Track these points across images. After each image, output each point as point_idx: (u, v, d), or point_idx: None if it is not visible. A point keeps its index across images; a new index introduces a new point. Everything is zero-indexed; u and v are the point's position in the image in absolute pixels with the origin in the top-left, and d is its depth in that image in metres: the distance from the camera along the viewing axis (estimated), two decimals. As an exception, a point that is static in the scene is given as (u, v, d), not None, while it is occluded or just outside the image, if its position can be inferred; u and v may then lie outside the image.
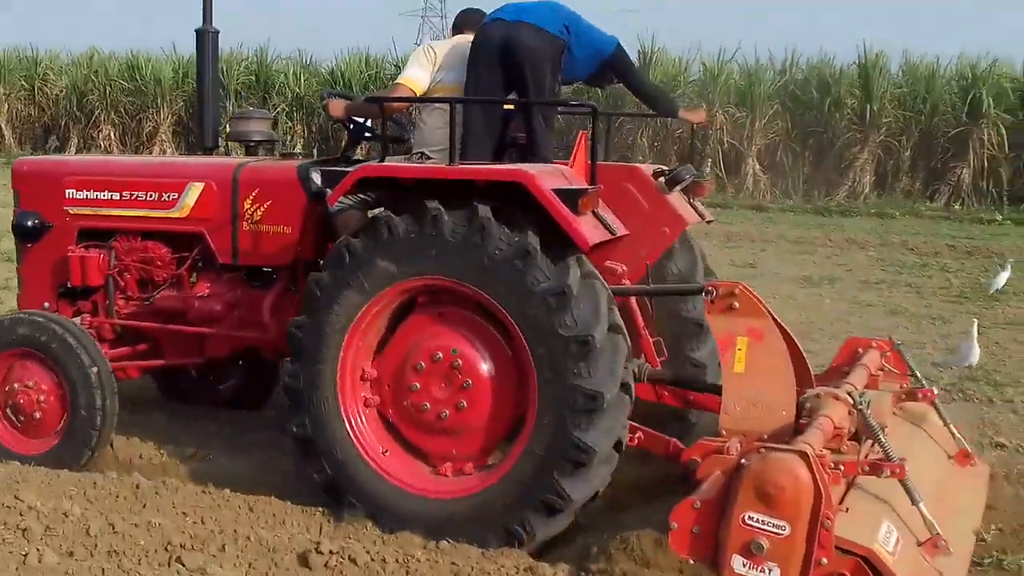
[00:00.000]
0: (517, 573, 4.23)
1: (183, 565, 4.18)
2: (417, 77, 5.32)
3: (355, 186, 4.68)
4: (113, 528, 4.44)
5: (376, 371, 4.78)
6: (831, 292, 11.56)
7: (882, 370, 5.37)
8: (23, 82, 28.09)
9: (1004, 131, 20.06)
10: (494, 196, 4.49)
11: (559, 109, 6.05)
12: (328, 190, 4.83)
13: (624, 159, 22.01)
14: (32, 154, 23.12)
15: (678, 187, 5.42)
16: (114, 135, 25.42)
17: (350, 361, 4.71)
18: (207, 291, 5.57)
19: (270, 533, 4.46)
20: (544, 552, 4.49)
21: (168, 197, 5.52)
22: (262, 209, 5.32)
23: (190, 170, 5.62)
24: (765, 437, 4.45)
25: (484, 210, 4.40)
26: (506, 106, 5.31)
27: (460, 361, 4.59)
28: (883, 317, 10.13)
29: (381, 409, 4.79)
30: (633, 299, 5.30)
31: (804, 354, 4.78)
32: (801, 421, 4.51)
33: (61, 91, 26.87)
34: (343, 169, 4.80)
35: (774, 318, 4.64)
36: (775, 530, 3.81)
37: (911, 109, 21.30)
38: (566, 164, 4.97)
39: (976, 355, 7.76)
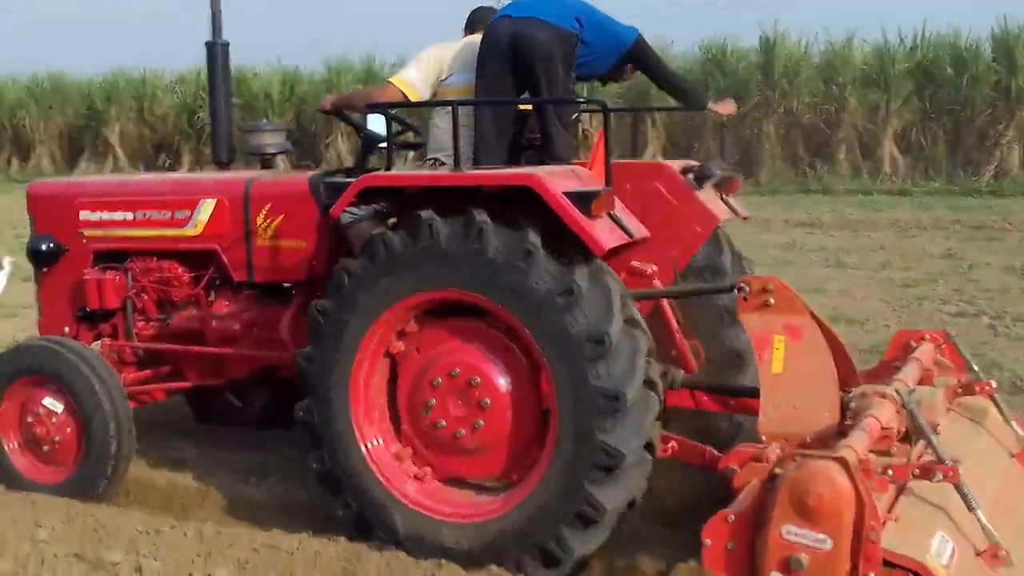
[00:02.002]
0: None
1: None
2: (411, 78, 5.13)
3: (359, 197, 4.50)
4: None
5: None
6: (1067, 283, 10.71)
7: (937, 364, 5.05)
8: (132, 102, 28.89)
9: None
10: (504, 201, 4.27)
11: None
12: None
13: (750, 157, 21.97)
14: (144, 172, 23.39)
15: (708, 183, 5.15)
16: (227, 150, 25.94)
17: (362, 387, 4.53)
18: (224, 310, 5.44)
19: None
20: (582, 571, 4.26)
21: (181, 215, 5.39)
22: (275, 224, 5.16)
23: (201, 186, 5.49)
24: (808, 441, 4.21)
25: (480, 214, 4.19)
26: (520, 106, 5.11)
27: (478, 379, 4.39)
28: None
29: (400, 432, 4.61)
30: (666, 302, 5.06)
31: (847, 350, 4.49)
32: (846, 423, 4.25)
33: (170, 109, 27.32)
34: (345, 180, 4.62)
35: (812, 314, 4.37)
36: (816, 544, 3.52)
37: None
38: (584, 164, 4.75)
39: None
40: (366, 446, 4.54)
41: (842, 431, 4.16)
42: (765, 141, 22.13)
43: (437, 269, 4.28)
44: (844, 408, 4.29)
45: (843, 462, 3.57)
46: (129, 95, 29.48)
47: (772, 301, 4.33)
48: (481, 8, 5.60)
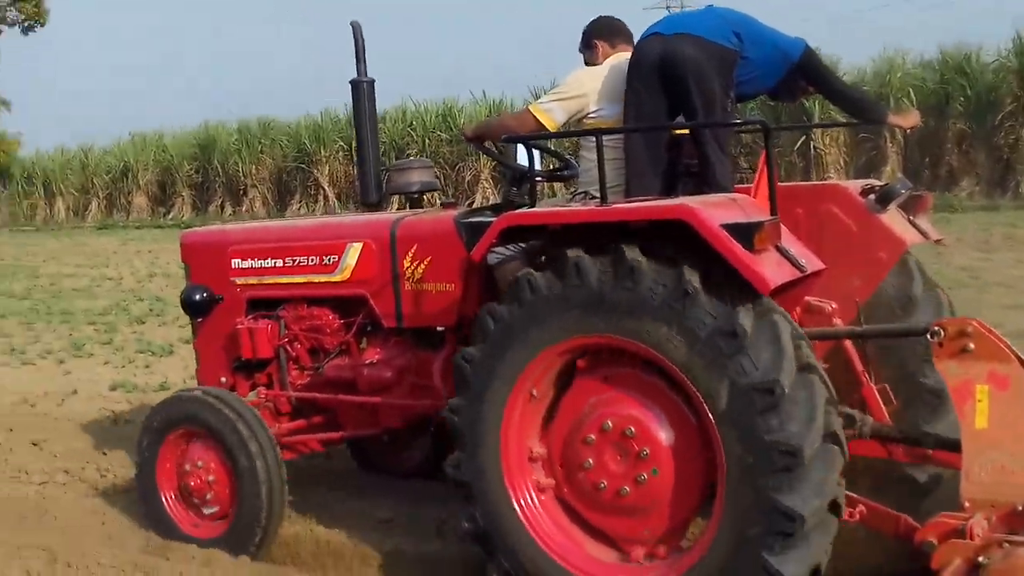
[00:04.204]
0: None
1: None
2: (550, 109, 4.95)
3: (501, 236, 4.34)
4: None
5: (545, 449, 4.39)
6: None
7: None
8: (340, 142, 30.48)
9: None
10: (659, 236, 4.01)
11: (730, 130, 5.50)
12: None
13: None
14: (351, 211, 24.35)
15: (892, 204, 4.73)
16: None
17: (513, 441, 4.34)
18: (375, 357, 5.36)
19: None
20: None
21: (329, 260, 5.38)
22: (422, 266, 5.06)
23: (348, 230, 5.47)
24: (1019, 509, 3.75)
25: (632, 252, 3.93)
26: (676, 131, 4.85)
27: (633, 428, 4.13)
28: None
29: (556, 491, 4.39)
30: (848, 342, 4.67)
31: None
32: (1068, 490, 3.77)
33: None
34: (487, 219, 4.48)
35: (1021, 359, 3.90)
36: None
37: None
38: (747, 191, 4.44)
39: None
40: (519, 503, 4.35)
41: (1062, 499, 3.72)
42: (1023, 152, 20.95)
43: (587, 312, 4.05)
44: (1063, 471, 3.81)
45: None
46: (336, 135, 31.03)
47: (972, 346, 3.90)
48: (606, 16, 5.36)
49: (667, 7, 39.45)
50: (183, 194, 35.14)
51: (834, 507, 3.96)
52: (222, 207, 34.01)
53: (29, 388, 9.41)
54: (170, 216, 34.75)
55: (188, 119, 37.31)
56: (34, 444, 7.45)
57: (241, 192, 33.69)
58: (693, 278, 3.86)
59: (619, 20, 5.36)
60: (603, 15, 5.40)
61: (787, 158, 23.14)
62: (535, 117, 4.97)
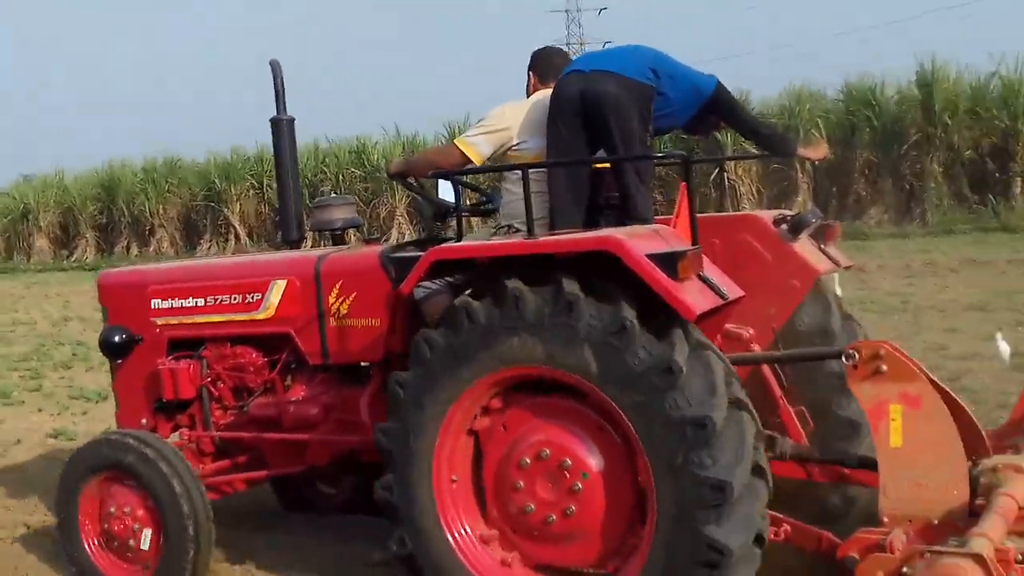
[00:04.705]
0: None
1: None
2: (475, 143, 5.09)
3: (430, 270, 4.45)
4: None
5: (495, 530, 4.49)
6: None
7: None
8: (251, 180, 30.15)
9: None
10: (584, 267, 4.16)
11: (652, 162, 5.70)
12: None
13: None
14: (264, 249, 24.14)
15: (804, 232, 4.97)
16: (350, 223, 27.27)
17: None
18: (301, 395, 5.41)
19: None
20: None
21: (252, 298, 5.41)
22: (347, 302, 5.13)
23: (271, 267, 5.52)
24: (935, 523, 3.94)
25: (570, 285, 4.07)
26: (596, 165, 5.03)
27: (547, 450, 4.27)
28: None
29: (525, 560, 4.48)
30: (766, 367, 4.86)
31: (974, 418, 4.21)
32: (977, 501, 3.97)
33: (291, 183, 29.15)
34: (414, 254, 4.59)
35: (931, 379, 4.11)
36: (950, 653, 3.28)
37: None
38: (668, 222, 4.62)
39: None
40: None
41: (973, 511, 3.91)
42: (930, 180, 21.71)
43: (524, 342, 4.17)
44: (973, 483, 4.01)
45: (979, 559, 3.34)
46: (247, 172, 30.85)
47: (884, 368, 4.10)
48: (550, 49, 5.53)
49: (567, 43, 40.45)
50: (87, 236, 34.48)
51: (759, 540, 4.11)
52: (128, 248, 33.49)
53: (-35, 438, 9.10)
54: (73, 258, 34.06)
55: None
56: None
57: (148, 232, 33.24)
58: (630, 313, 4.00)
59: (561, 55, 5.55)
60: (549, 46, 5.60)
61: (702, 190, 23.74)
62: (461, 151, 5.09)
